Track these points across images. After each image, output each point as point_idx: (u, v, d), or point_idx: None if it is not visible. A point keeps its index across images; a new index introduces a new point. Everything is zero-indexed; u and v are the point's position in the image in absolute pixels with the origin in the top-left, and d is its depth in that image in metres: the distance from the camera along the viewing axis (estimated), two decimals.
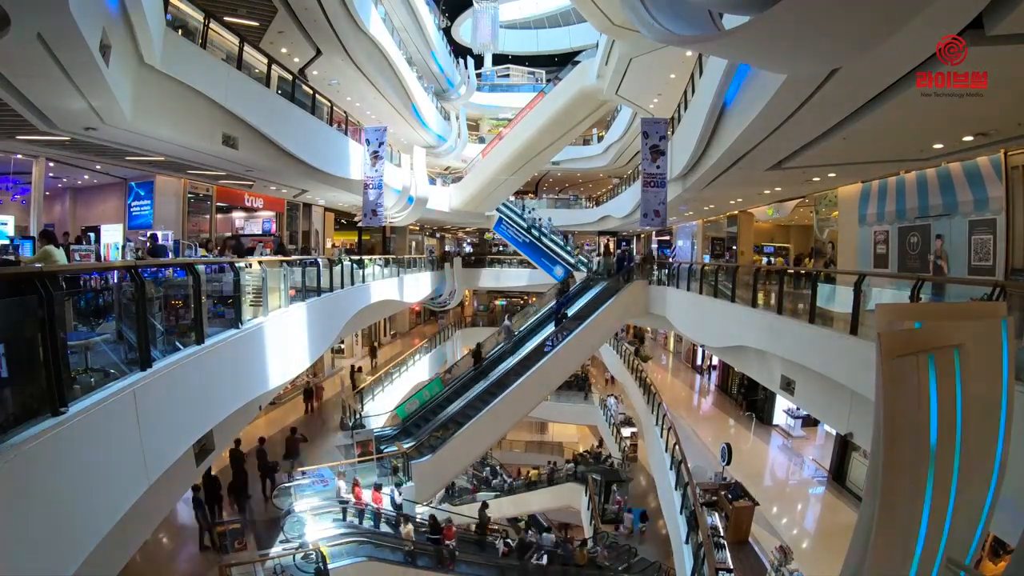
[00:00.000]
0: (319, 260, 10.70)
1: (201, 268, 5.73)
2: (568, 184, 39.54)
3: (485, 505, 15.23)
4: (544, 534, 16.64)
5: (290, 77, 12.36)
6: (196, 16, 9.19)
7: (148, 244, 9.98)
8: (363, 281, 13.91)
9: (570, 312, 16.66)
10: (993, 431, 2.50)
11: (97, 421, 3.43)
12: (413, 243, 31.68)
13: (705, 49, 7.55)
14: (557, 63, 33.58)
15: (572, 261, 24.61)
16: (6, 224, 10.81)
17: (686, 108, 12.01)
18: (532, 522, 20.38)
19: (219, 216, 16.21)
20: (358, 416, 16.38)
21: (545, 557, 13.45)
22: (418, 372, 22.61)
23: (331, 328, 10.93)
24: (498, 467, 24.55)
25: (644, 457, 20.13)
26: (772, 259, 19.37)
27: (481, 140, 33.24)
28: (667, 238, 28.61)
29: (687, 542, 10.20)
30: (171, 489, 5.86)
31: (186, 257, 10.63)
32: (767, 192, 14.25)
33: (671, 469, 12.74)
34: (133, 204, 13.72)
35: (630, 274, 16.31)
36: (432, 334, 28.47)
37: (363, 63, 16.05)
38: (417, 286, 21.46)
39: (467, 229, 36.52)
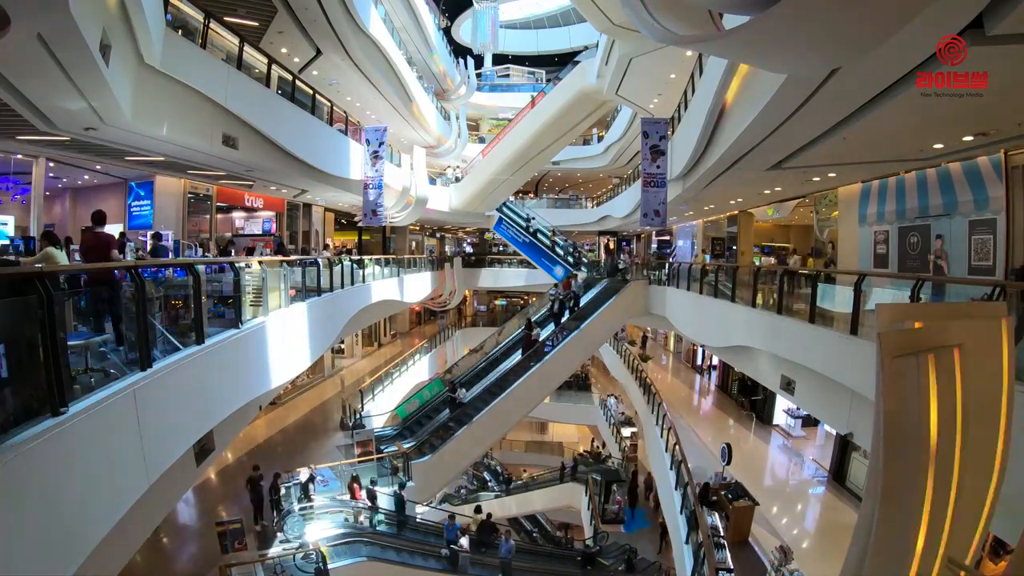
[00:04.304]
0: (319, 260, 10.71)
1: (201, 268, 5.74)
2: (568, 184, 39.49)
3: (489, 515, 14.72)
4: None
5: (290, 77, 12.37)
6: (196, 16, 9.20)
7: (151, 244, 9.95)
8: (363, 281, 13.91)
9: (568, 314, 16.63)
10: (993, 431, 2.49)
11: (97, 421, 3.43)
12: (413, 243, 31.67)
13: (705, 49, 7.55)
14: (557, 63, 33.57)
15: (572, 261, 24.61)
16: (6, 224, 10.82)
17: (686, 108, 12.01)
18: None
19: (219, 216, 16.21)
20: (358, 416, 16.39)
21: None
22: (418, 372, 22.65)
23: (331, 328, 10.93)
24: (498, 467, 24.54)
25: (644, 457, 20.12)
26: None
27: (481, 140, 33.22)
28: (667, 238, 28.56)
29: (687, 542, 10.20)
30: (171, 489, 5.86)
31: (186, 257, 10.62)
32: (767, 192, 14.24)
33: (671, 469, 12.75)
34: (133, 204, 13.72)
35: (624, 273, 16.61)
36: (432, 334, 28.49)
37: (363, 63, 16.05)
38: (417, 286, 21.47)
39: (467, 229, 36.52)
